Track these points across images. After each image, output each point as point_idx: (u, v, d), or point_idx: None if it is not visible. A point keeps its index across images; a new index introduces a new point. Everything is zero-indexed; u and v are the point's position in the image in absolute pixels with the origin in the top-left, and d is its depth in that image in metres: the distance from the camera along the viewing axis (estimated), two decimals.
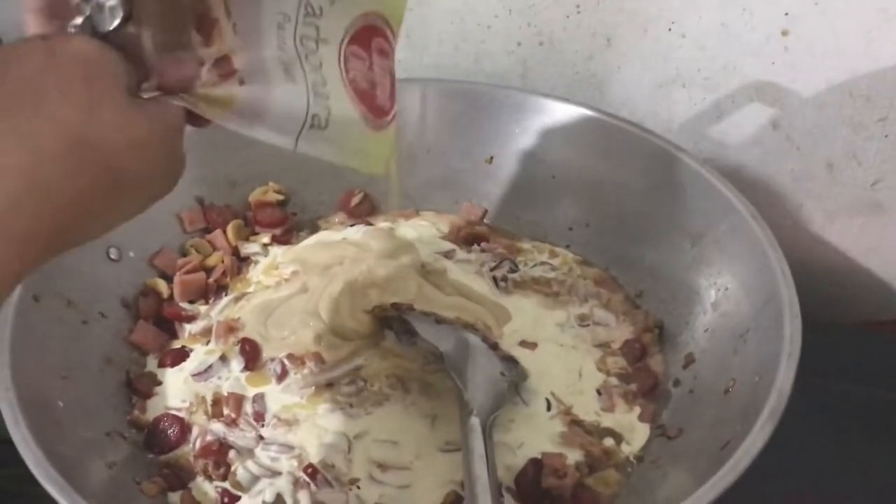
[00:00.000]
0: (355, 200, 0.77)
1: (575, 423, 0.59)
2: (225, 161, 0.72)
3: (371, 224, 0.75)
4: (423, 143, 0.76)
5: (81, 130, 0.32)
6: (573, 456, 0.56)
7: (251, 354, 0.62)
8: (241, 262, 0.72)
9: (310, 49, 0.42)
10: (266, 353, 0.63)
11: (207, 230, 0.74)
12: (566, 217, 0.74)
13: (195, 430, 0.59)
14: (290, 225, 0.76)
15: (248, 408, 0.60)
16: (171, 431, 0.59)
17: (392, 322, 0.63)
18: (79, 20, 0.34)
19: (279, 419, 0.59)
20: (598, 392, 0.61)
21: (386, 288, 0.65)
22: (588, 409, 0.60)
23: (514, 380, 0.60)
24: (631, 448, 0.58)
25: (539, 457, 0.56)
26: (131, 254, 0.68)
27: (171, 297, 0.68)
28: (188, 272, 0.69)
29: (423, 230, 0.75)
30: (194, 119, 0.39)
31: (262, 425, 0.59)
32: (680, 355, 0.62)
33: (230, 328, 0.65)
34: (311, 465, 0.56)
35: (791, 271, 0.56)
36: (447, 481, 0.55)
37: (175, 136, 0.37)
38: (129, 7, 0.34)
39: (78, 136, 0.32)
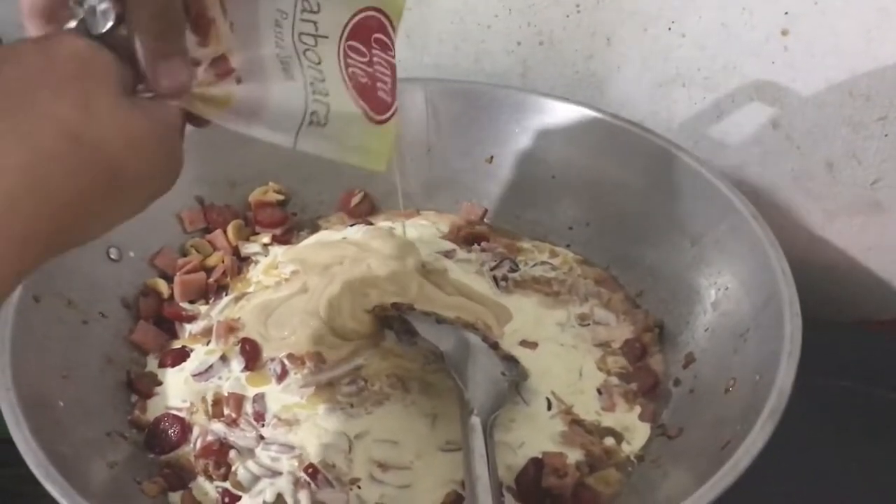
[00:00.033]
0: (355, 200, 0.77)
1: (575, 422, 0.59)
2: (225, 161, 0.72)
3: (371, 224, 0.75)
4: (423, 143, 0.76)
5: (78, 129, 0.32)
6: (574, 455, 0.56)
7: (251, 354, 0.62)
8: (242, 262, 0.72)
9: (308, 45, 0.42)
10: (266, 353, 0.63)
11: (207, 230, 0.74)
12: (566, 216, 0.74)
13: (196, 430, 0.59)
14: (290, 225, 0.76)
15: (249, 408, 0.60)
16: (172, 431, 0.59)
17: (392, 322, 0.63)
18: (72, 23, 0.34)
19: (279, 419, 0.59)
20: (599, 391, 0.61)
21: (386, 288, 0.65)
22: (588, 408, 0.60)
23: (515, 379, 0.60)
24: (631, 447, 0.58)
25: (540, 456, 0.56)
26: (131, 254, 0.68)
27: (171, 297, 0.68)
28: (188, 272, 0.69)
29: (423, 230, 0.75)
30: (194, 118, 0.39)
31: (263, 425, 0.59)
32: (680, 355, 0.62)
33: (230, 328, 0.65)
34: (311, 465, 0.56)
35: (791, 270, 0.56)
36: (448, 481, 0.55)
37: (173, 134, 0.37)
38: (121, 9, 0.34)
39: (75, 135, 0.32)
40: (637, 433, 0.59)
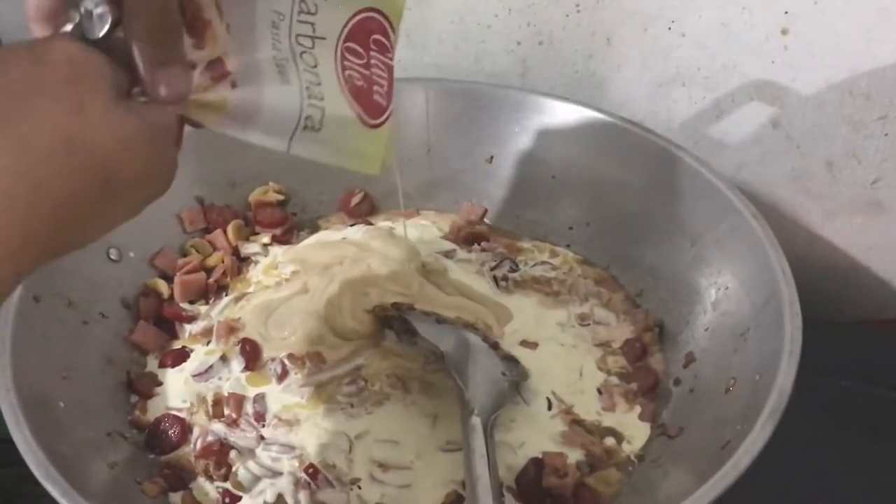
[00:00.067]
0: (355, 200, 0.77)
1: (576, 422, 0.59)
2: (225, 161, 0.72)
3: (371, 224, 0.75)
4: (424, 143, 0.76)
5: (72, 131, 0.32)
6: (574, 455, 0.56)
7: (251, 354, 0.62)
8: (242, 262, 0.72)
9: (305, 47, 0.42)
10: (266, 354, 0.63)
11: (207, 230, 0.74)
12: (566, 216, 0.74)
13: (196, 431, 0.59)
14: (290, 225, 0.76)
15: (249, 408, 0.60)
16: (172, 432, 0.59)
17: (392, 322, 0.63)
18: (69, 27, 0.34)
19: (280, 419, 0.59)
20: (599, 391, 0.61)
21: (386, 288, 0.65)
22: (589, 408, 0.60)
23: (515, 379, 0.60)
24: (632, 447, 0.58)
25: (540, 456, 0.56)
26: (131, 254, 0.68)
27: (171, 297, 0.68)
28: (188, 272, 0.69)
29: (423, 230, 0.75)
30: (190, 120, 0.39)
31: (263, 425, 0.59)
32: (680, 354, 0.62)
33: (230, 328, 0.65)
34: (311, 465, 0.56)
35: (791, 270, 0.56)
36: (448, 481, 0.55)
37: (167, 137, 0.37)
38: (118, 13, 0.34)
39: (69, 138, 0.32)
40: (637, 433, 0.59)
